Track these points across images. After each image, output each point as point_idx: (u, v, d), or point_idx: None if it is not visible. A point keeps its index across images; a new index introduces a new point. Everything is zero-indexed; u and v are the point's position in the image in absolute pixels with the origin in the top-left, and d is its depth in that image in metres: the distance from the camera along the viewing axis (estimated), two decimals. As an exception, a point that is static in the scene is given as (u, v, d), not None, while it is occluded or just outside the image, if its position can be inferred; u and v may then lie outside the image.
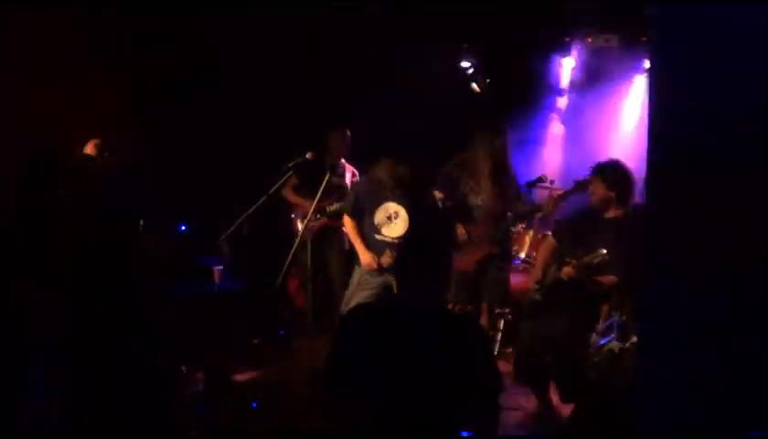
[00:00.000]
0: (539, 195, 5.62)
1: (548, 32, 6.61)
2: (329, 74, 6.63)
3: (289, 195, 5.77)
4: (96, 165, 4.88)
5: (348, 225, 4.96)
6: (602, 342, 5.54)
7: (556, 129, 7.22)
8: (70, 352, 3.43)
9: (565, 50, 6.81)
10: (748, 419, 2.17)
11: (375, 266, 4.76)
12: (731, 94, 2.17)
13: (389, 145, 5.05)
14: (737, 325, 2.18)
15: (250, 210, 5.33)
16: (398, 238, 4.72)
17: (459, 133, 5.59)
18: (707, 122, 2.21)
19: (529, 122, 6.92)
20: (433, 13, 6.12)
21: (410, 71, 6.82)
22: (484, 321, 5.26)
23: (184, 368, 4.34)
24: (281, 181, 5.47)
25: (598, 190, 4.44)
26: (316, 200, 5.04)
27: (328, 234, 5.81)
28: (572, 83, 7.00)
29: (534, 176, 5.47)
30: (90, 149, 4.95)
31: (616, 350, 4.72)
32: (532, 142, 7.00)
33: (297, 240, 5.11)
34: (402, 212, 4.78)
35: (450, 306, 5.02)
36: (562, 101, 7.14)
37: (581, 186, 5.00)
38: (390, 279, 4.68)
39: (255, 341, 5.90)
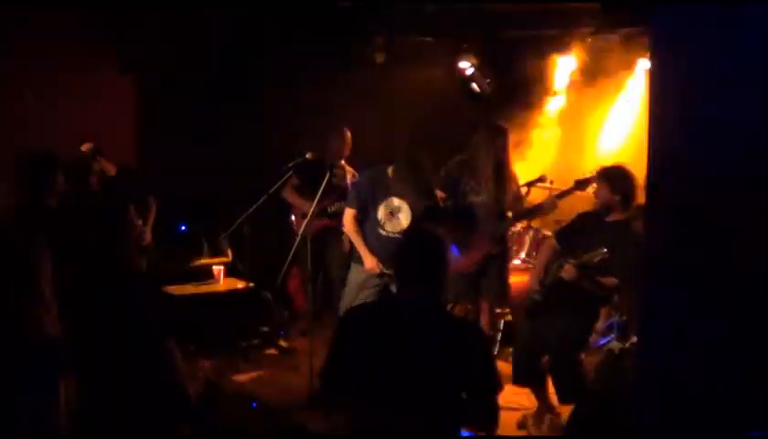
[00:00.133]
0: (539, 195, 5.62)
1: (548, 32, 6.61)
2: (329, 74, 6.63)
3: (289, 195, 5.75)
4: (95, 165, 4.88)
5: (349, 227, 4.83)
6: (602, 342, 5.55)
7: (556, 129, 7.21)
8: (70, 352, 3.43)
9: (565, 50, 6.79)
10: (748, 419, 2.17)
11: (378, 271, 4.72)
12: (732, 95, 2.17)
13: (389, 145, 5.05)
14: (737, 325, 2.18)
15: (250, 210, 5.34)
16: (401, 233, 4.67)
17: (459, 134, 5.60)
18: (707, 124, 2.21)
19: (529, 122, 6.92)
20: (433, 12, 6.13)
21: (410, 71, 6.84)
22: (484, 321, 5.25)
23: (183, 368, 4.33)
24: (281, 181, 5.47)
25: (602, 194, 4.45)
26: (316, 201, 5.04)
27: (328, 234, 5.79)
28: (572, 83, 6.99)
29: (534, 177, 5.48)
30: (86, 149, 4.95)
31: (616, 350, 4.72)
32: (532, 142, 7.00)
33: (298, 238, 5.10)
34: (405, 207, 4.74)
35: (450, 306, 5.02)
36: (562, 101, 7.13)
37: (580, 185, 5.01)
38: (391, 280, 4.66)
39: (255, 341, 5.91)
